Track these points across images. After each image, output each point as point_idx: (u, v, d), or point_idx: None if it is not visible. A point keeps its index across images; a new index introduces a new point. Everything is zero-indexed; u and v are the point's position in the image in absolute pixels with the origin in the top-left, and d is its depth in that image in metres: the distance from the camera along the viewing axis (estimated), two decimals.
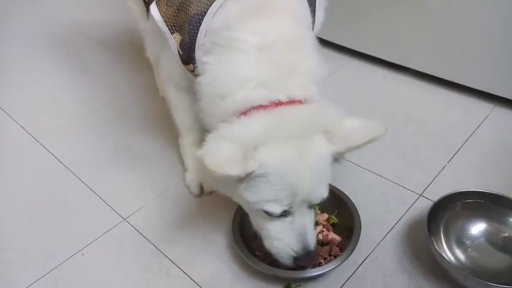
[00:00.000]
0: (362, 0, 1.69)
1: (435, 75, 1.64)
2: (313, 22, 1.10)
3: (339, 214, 1.16)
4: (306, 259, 0.95)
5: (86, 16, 2.36)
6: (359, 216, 1.11)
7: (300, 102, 0.91)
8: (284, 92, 0.90)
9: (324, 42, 1.03)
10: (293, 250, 0.94)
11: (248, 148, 0.84)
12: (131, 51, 1.99)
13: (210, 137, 0.88)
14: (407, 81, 1.70)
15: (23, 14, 2.45)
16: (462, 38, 1.51)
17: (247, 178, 0.87)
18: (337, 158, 0.93)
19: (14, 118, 1.67)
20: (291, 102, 0.90)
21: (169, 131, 1.46)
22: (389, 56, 1.73)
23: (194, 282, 1.08)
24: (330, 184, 0.94)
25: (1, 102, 1.75)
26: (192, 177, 1.31)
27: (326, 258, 1.08)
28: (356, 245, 1.05)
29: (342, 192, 1.17)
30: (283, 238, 0.94)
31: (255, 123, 0.87)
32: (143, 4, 1.17)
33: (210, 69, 0.96)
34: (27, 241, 1.21)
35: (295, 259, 0.95)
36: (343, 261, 1.03)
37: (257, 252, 1.08)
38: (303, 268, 0.99)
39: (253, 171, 0.84)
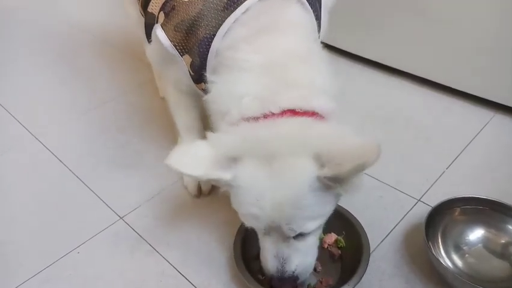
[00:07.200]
0: (363, 5, 1.69)
1: (436, 81, 1.64)
2: (319, 32, 1.09)
3: (347, 235, 1.11)
4: (279, 282, 0.93)
5: (88, 13, 2.36)
6: (367, 240, 1.06)
7: (294, 112, 0.85)
8: (279, 104, 0.85)
9: (325, 46, 1.03)
10: (268, 269, 0.93)
11: (224, 157, 0.84)
12: (132, 50, 1.98)
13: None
14: (407, 86, 1.69)
15: (24, 9, 2.45)
16: (463, 45, 1.50)
17: (229, 186, 0.86)
18: (338, 187, 0.82)
19: (11, 113, 1.67)
20: (284, 112, 0.85)
21: (168, 129, 1.46)
22: (390, 61, 1.73)
23: (189, 283, 1.07)
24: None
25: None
26: (190, 178, 1.30)
27: None
28: (363, 273, 0.99)
29: (348, 211, 1.11)
30: (263, 254, 0.94)
31: (239, 134, 0.85)
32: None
33: (214, 88, 0.96)
34: (23, 237, 1.21)
35: (270, 278, 0.94)
36: None
37: (260, 276, 1.03)
38: None
39: (222, 179, 0.84)
